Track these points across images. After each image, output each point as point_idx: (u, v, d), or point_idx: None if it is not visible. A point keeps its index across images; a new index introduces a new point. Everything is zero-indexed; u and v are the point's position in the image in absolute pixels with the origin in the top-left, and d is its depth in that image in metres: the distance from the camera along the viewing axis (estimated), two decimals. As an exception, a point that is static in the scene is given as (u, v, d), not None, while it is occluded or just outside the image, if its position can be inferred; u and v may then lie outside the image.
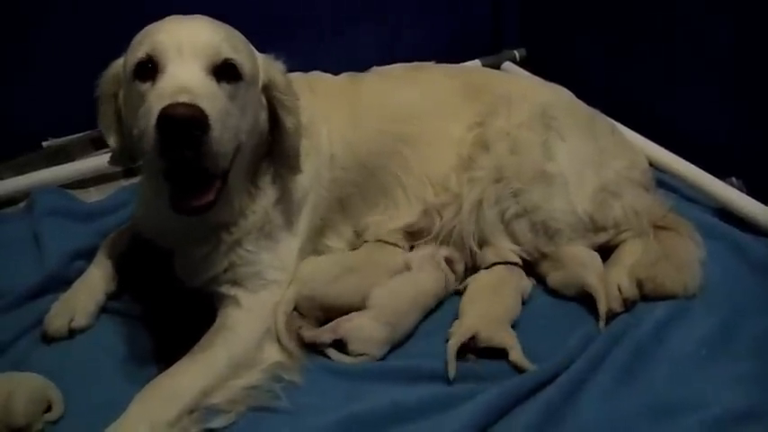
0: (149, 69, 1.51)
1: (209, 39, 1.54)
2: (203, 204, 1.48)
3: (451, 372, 1.65)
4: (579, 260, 1.93)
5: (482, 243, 2.02)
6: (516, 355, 1.70)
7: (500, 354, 1.72)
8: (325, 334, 1.71)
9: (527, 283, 1.94)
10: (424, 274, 1.91)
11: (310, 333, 1.72)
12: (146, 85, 1.51)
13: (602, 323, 1.81)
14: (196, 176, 1.47)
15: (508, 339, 1.73)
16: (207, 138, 1.41)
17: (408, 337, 1.80)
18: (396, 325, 1.76)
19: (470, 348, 1.72)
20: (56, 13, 2.42)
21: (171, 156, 1.42)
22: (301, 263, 1.82)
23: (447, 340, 1.73)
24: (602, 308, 1.82)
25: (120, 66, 1.64)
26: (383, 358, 1.73)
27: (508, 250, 1.98)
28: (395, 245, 1.97)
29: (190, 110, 1.39)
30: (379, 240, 1.98)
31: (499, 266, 1.94)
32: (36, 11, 2.40)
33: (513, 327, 1.81)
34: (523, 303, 1.90)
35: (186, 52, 1.50)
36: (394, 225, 2.02)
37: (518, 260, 1.97)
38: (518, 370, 1.68)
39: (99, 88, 1.69)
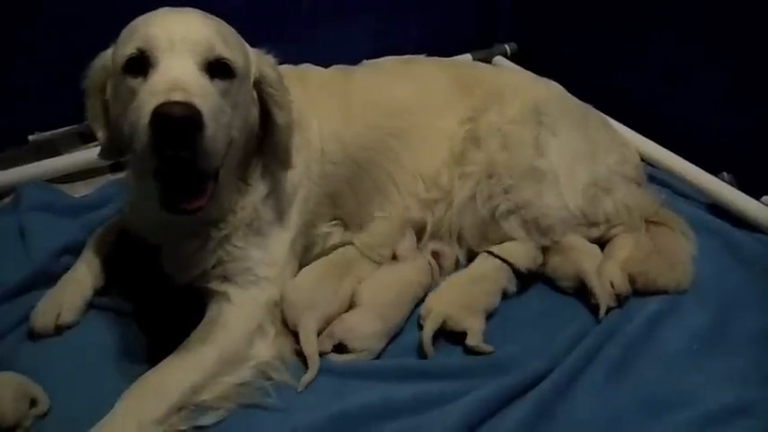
0: (141, 64, 1.48)
1: (203, 34, 1.51)
2: (196, 207, 1.46)
3: (430, 353, 1.72)
4: (577, 248, 1.94)
5: (474, 240, 2.02)
6: (473, 339, 1.73)
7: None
8: (324, 342, 1.70)
9: (511, 285, 1.92)
10: (408, 264, 1.92)
11: None
12: (137, 80, 1.48)
13: (602, 311, 1.81)
14: (188, 176, 1.45)
15: (473, 324, 1.76)
16: (201, 136, 1.39)
17: (399, 332, 1.80)
18: (387, 317, 1.76)
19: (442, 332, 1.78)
20: (41, 6, 2.39)
21: (164, 155, 1.39)
22: (294, 288, 1.78)
23: (419, 323, 1.79)
24: (601, 293, 1.82)
25: (108, 58, 1.61)
26: (379, 355, 1.72)
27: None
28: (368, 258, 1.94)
29: (185, 109, 1.36)
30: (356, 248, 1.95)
31: (489, 260, 1.93)
32: (21, 4, 2.37)
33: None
34: (507, 297, 1.91)
35: (179, 47, 1.47)
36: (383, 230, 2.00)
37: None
38: (476, 353, 1.73)
39: (86, 81, 1.66)
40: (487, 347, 1.72)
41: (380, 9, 2.96)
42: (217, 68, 1.51)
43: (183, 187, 1.45)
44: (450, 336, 1.78)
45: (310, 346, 1.67)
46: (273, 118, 1.69)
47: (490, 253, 1.94)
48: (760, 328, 1.80)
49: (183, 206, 1.45)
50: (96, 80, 1.65)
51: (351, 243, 1.94)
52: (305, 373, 1.63)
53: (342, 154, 1.96)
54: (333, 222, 1.99)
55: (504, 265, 1.91)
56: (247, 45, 1.67)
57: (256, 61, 1.67)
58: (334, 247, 1.93)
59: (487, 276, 1.90)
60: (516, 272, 1.91)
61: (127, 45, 1.51)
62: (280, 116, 1.68)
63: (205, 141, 1.40)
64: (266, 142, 1.73)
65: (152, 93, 1.41)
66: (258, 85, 1.67)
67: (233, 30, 1.63)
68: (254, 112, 1.68)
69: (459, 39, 3.13)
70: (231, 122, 1.53)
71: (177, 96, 1.37)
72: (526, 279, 1.93)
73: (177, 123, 1.35)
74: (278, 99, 1.68)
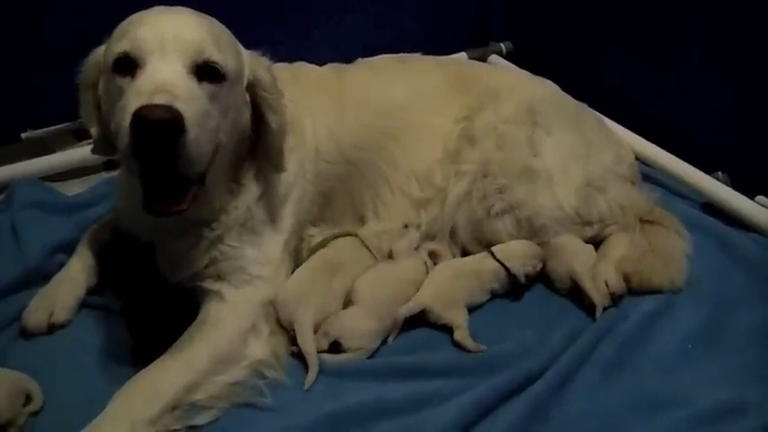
0: (129, 64, 1.46)
1: (193, 36, 1.49)
2: (176, 210, 1.45)
3: (390, 338, 1.75)
4: (570, 249, 1.94)
5: (468, 239, 2.02)
6: (461, 334, 1.74)
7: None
8: (319, 340, 1.69)
9: (499, 286, 1.91)
10: (403, 262, 1.92)
11: None
12: (125, 80, 1.47)
13: (598, 311, 1.81)
14: (171, 179, 1.43)
15: (456, 318, 1.77)
16: (182, 141, 1.37)
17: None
18: (382, 316, 1.75)
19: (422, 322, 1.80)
20: (35, 2, 2.37)
21: (144, 158, 1.39)
22: (284, 287, 1.76)
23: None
24: (594, 294, 1.82)
25: (101, 54, 1.60)
26: (373, 354, 1.72)
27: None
28: (369, 250, 1.94)
29: (165, 112, 1.35)
30: (355, 236, 1.95)
31: (487, 260, 1.92)
32: (15, 2, 2.35)
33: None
34: (495, 296, 1.91)
35: (168, 49, 1.45)
36: (382, 227, 2.01)
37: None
38: (464, 350, 1.73)
39: (80, 76, 1.65)
40: (474, 345, 1.72)
41: (375, 7, 2.95)
42: (206, 71, 1.49)
43: (164, 190, 1.44)
44: (442, 332, 1.78)
45: (308, 342, 1.66)
46: (266, 121, 1.67)
47: (491, 254, 1.92)
48: (755, 326, 1.80)
49: (163, 209, 1.44)
50: (89, 76, 1.64)
51: (352, 234, 1.94)
52: (301, 371, 1.63)
53: (336, 153, 1.95)
54: (320, 226, 1.98)
55: (501, 268, 1.90)
56: (241, 47, 1.66)
57: (250, 63, 1.65)
58: (333, 238, 1.93)
59: (477, 274, 1.90)
60: (513, 277, 1.90)
61: (117, 44, 1.50)
62: (273, 120, 1.67)
63: (187, 145, 1.38)
64: (259, 145, 1.72)
65: (137, 94, 1.40)
66: (251, 87, 1.65)
67: (227, 30, 1.62)
68: (246, 115, 1.67)
69: (455, 37, 3.12)
70: (219, 126, 1.52)
71: (159, 99, 1.36)
72: (522, 285, 1.92)
73: (157, 127, 1.34)
74: (271, 103, 1.67)
